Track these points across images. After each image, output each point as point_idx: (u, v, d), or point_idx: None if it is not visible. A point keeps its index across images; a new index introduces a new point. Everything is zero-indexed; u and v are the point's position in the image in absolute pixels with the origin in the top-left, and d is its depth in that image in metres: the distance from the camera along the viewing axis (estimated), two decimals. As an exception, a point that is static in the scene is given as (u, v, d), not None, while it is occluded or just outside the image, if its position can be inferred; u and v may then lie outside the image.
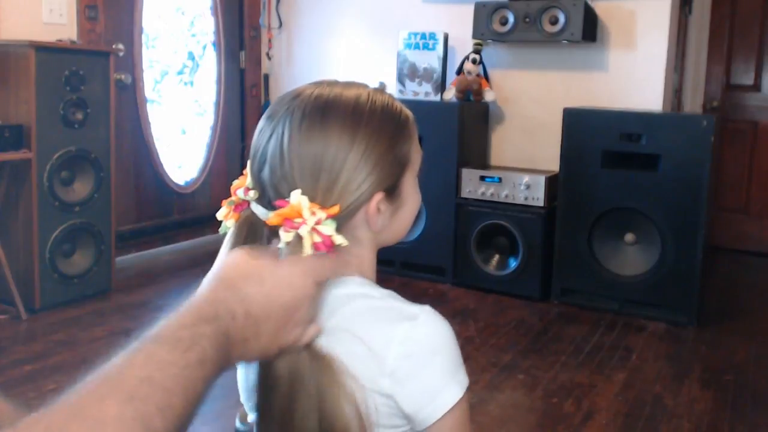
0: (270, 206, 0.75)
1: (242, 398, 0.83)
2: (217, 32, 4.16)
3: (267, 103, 4.48)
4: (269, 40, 4.45)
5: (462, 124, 3.50)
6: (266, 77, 4.50)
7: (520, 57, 3.74)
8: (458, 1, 3.78)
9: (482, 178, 3.43)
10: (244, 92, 4.39)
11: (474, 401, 2.30)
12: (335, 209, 0.73)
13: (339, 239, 0.72)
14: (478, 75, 3.63)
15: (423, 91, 3.79)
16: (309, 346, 0.72)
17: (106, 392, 0.53)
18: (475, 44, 3.62)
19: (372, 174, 0.76)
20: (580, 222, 3.21)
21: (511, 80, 3.77)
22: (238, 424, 1.57)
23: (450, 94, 3.70)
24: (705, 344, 2.90)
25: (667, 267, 3.06)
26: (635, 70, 3.48)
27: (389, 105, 0.81)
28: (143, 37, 3.69)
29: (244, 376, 0.82)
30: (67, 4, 3.25)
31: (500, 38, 3.53)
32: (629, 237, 3.19)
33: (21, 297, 2.87)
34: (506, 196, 3.37)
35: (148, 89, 3.78)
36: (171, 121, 3.98)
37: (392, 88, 3.81)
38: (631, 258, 3.19)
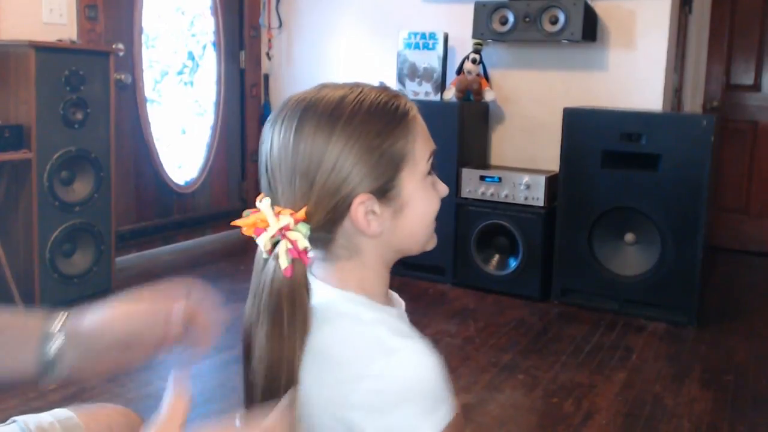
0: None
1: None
2: (217, 32, 4.16)
3: (267, 103, 4.49)
4: (269, 40, 4.45)
5: (462, 124, 3.50)
6: (266, 77, 4.50)
7: (520, 57, 3.74)
8: (458, 0, 3.78)
9: (482, 177, 3.43)
10: (244, 92, 4.39)
11: (474, 401, 2.30)
12: (301, 213, 0.71)
13: (303, 243, 0.70)
14: (478, 75, 3.63)
15: (423, 91, 3.79)
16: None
17: None
18: (475, 44, 3.61)
19: (353, 174, 0.73)
20: (580, 222, 3.21)
21: (511, 80, 3.76)
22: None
23: (450, 94, 3.69)
24: (705, 344, 2.90)
25: (667, 267, 3.06)
26: (635, 70, 3.48)
27: (380, 102, 0.77)
28: (143, 37, 3.68)
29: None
30: (67, 4, 3.25)
31: (500, 38, 3.53)
32: (629, 237, 3.19)
33: (21, 297, 2.86)
34: (506, 196, 3.37)
35: (148, 89, 3.78)
36: (171, 121, 3.98)
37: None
38: (631, 258, 3.19)
